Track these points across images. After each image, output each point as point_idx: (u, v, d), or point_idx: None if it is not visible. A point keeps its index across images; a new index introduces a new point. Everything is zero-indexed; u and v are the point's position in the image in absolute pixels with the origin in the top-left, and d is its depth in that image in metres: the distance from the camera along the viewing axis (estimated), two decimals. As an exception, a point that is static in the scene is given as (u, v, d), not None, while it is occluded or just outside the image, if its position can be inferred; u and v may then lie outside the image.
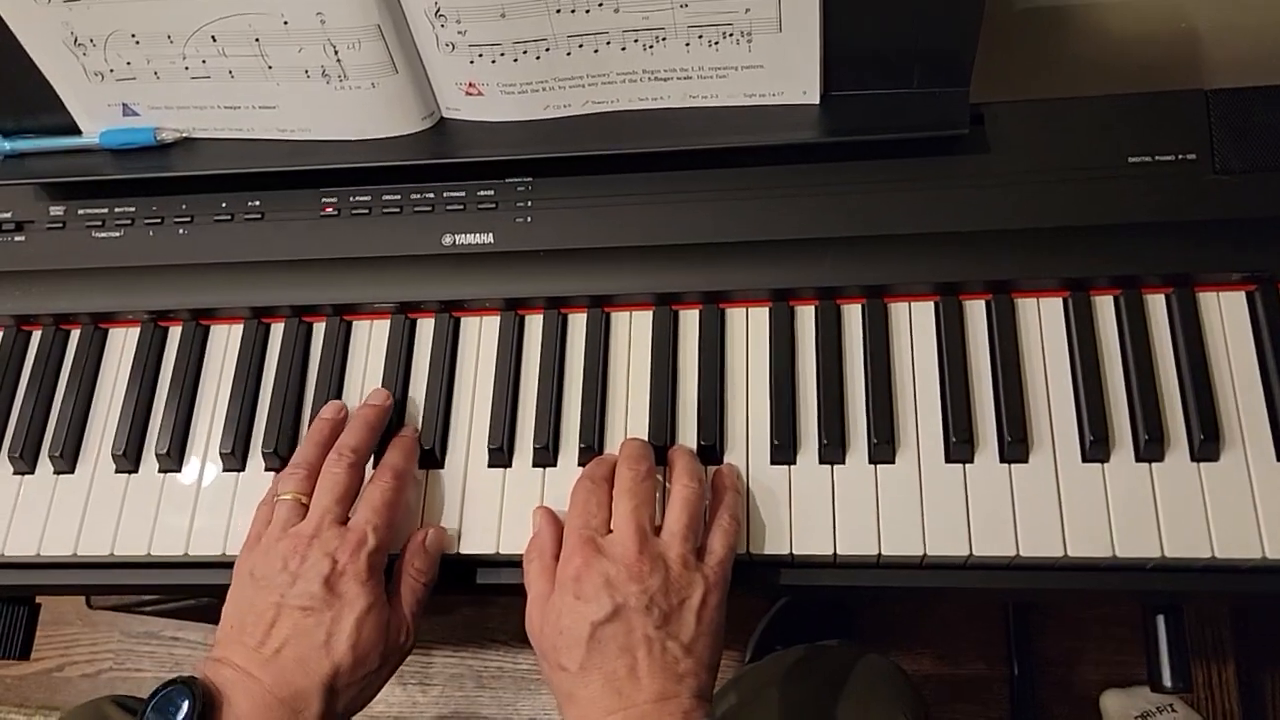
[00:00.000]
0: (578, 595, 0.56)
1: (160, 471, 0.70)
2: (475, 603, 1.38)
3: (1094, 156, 0.65)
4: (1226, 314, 0.64)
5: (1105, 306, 0.65)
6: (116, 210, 0.73)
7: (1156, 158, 0.65)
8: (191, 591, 0.73)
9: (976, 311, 0.66)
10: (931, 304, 0.66)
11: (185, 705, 0.55)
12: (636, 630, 0.55)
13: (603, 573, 0.56)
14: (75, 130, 0.72)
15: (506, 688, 1.38)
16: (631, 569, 0.56)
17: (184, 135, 0.71)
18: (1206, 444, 0.60)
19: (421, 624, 0.63)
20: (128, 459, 0.70)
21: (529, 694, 1.37)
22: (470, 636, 1.39)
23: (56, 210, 0.74)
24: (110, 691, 1.41)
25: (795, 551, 0.62)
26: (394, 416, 0.68)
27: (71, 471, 0.71)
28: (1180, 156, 0.65)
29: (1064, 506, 0.61)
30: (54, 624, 1.47)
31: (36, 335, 0.75)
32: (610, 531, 0.59)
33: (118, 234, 0.73)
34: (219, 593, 0.65)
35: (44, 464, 0.71)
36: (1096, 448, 0.61)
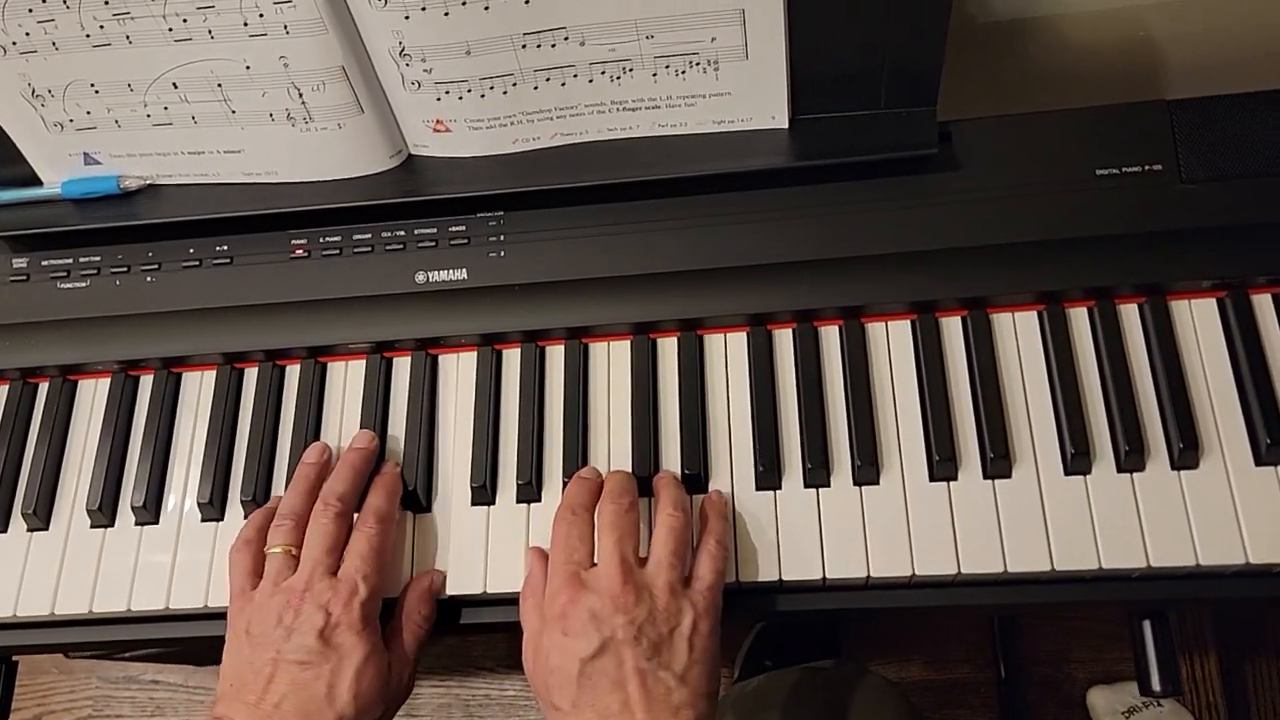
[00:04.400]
0: (565, 632, 0.56)
1: (137, 524, 0.68)
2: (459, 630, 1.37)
3: (1062, 170, 0.66)
4: (1199, 321, 0.65)
5: (1080, 318, 0.66)
6: (81, 260, 0.72)
7: (1124, 169, 0.65)
8: (175, 644, 0.72)
9: (953, 328, 0.66)
10: (908, 322, 0.67)
11: None
12: (627, 663, 0.54)
13: (588, 607, 0.56)
14: (36, 181, 0.71)
15: (494, 715, 1.37)
16: (617, 601, 0.55)
17: (148, 182, 0.70)
18: (1186, 452, 0.61)
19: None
20: (103, 513, 0.68)
21: (517, 720, 1.36)
22: (456, 665, 1.38)
23: (19, 263, 0.73)
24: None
25: (784, 577, 0.62)
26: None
27: (45, 528, 0.69)
28: (1147, 167, 0.65)
29: (1049, 520, 0.61)
30: (30, 673, 1.44)
31: (3, 390, 0.73)
32: (594, 565, 0.58)
33: (83, 284, 0.72)
34: (203, 645, 0.64)
35: (16, 522, 0.70)
36: (1078, 460, 0.62)
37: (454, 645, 1.38)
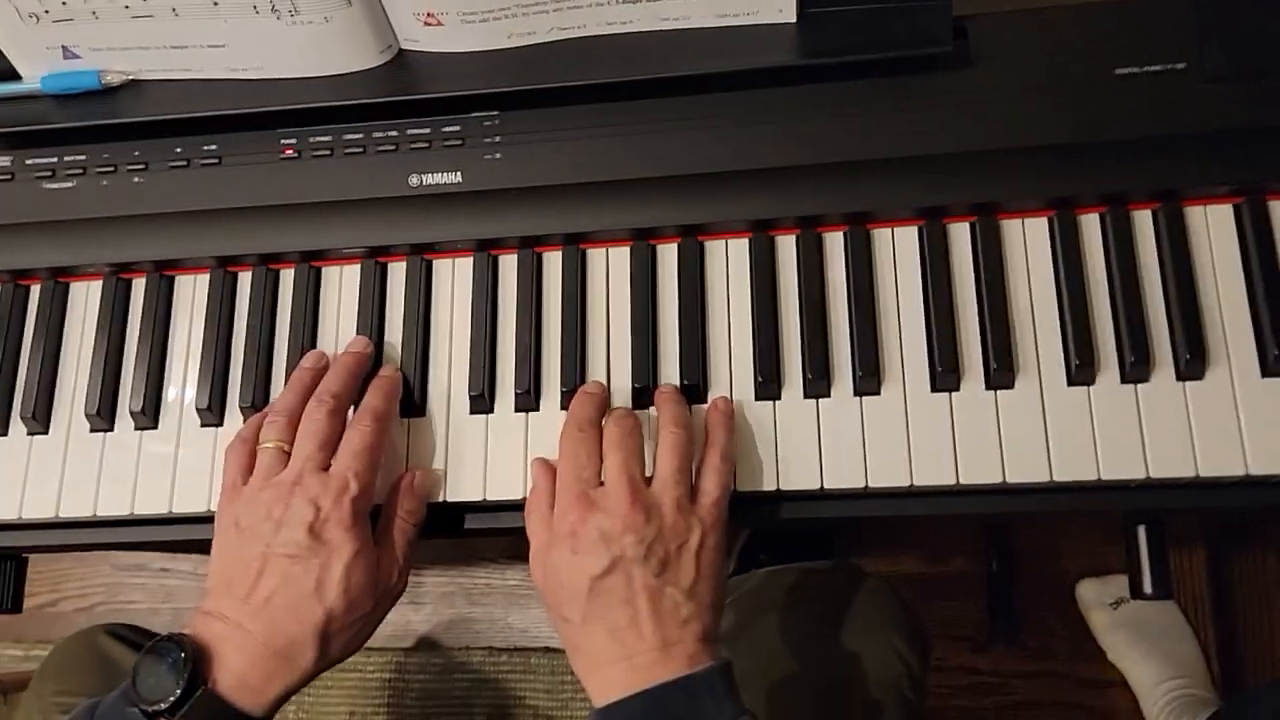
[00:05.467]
0: (574, 550, 0.56)
1: (136, 429, 0.68)
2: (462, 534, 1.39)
3: (1080, 69, 0.63)
4: (1213, 228, 0.63)
5: (1091, 225, 0.64)
6: (66, 159, 0.70)
7: (1145, 68, 0.63)
8: (180, 547, 0.73)
9: (961, 235, 0.65)
10: (915, 229, 0.65)
11: (173, 658, 0.55)
12: (636, 581, 0.55)
13: (598, 526, 0.56)
14: (15, 76, 0.68)
15: (496, 603, 1.40)
16: (626, 520, 0.56)
17: (130, 78, 0.68)
18: (1192, 363, 0.60)
19: (413, 563, 0.63)
20: (102, 417, 0.68)
21: (519, 608, 1.39)
22: (458, 556, 1.41)
23: (3, 161, 0.71)
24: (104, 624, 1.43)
25: (783, 487, 0.62)
26: (372, 363, 0.67)
27: (46, 432, 0.69)
28: (1168, 66, 0.63)
29: (1049, 431, 0.61)
30: (44, 561, 1.47)
31: (-5, 292, 0.73)
32: (602, 483, 0.58)
33: (70, 184, 0.70)
34: (206, 548, 0.65)
35: (16, 425, 0.70)
36: (1082, 371, 0.61)
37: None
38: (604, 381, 0.64)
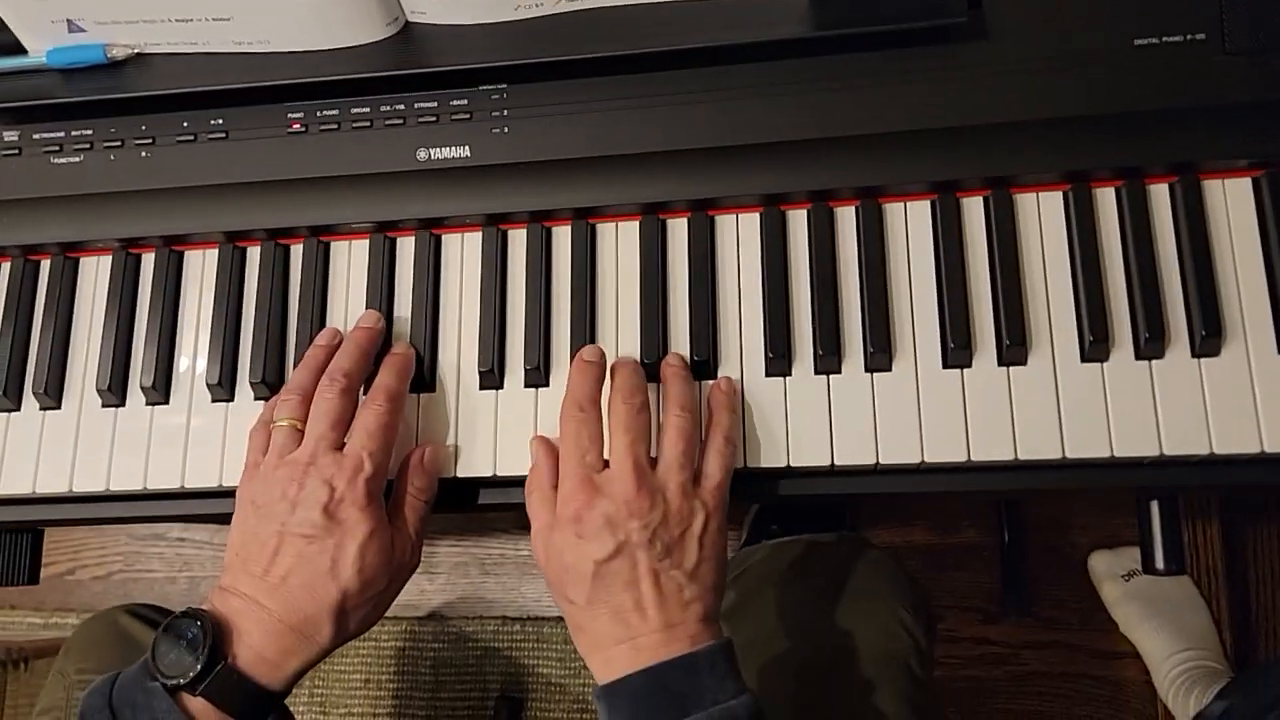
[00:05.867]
0: (579, 535, 0.56)
1: (148, 404, 0.69)
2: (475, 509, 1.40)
3: (1098, 40, 0.62)
4: (1231, 202, 0.62)
5: (1106, 199, 0.63)
6: (74, 134, 0.70)
7: (1164, 39, 0.61)
8: (193, 520, 0.74)
9: (974, 209, 0.64)
10: (928, 203, 0.64)
11: (192, 633, 0.56)
12: (640, 564, 0.55)
13: (603, 512, 0.56)
14: (20, 50, 0.68)
15: (509, 573, 1.41)
16: (631, 506, 0.56)
17: (136, 51, 0.67)
18: (1208, 339, 0.60)
19: (425, 539, 0.63)
20: (113, 393, 0.68)
21: (532, 578, 1.40)
22: (471, 527, 1.42)
23: (10, 136, 0.71)
24: (122, 592, 1.45)
25: (793, 463, 0.62)
26: (383, 339, 0.67)
27: (58, 407, 0.70)
28: (1188, 37, 0.61)
29: (1062, 408, 0.60)
30: (62, 530, 1.49)
31: (5, 268, 0.72)
32: (606, 465, 0.58)
33: (77, 159, 0.70)
34: (221, 520, 0.65)
35: (29, 400, 0.70)
36: (1096, 347, 0.60)
37: (470, 508, 1.41)
38: (604, 349, 0.64)
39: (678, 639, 0.55)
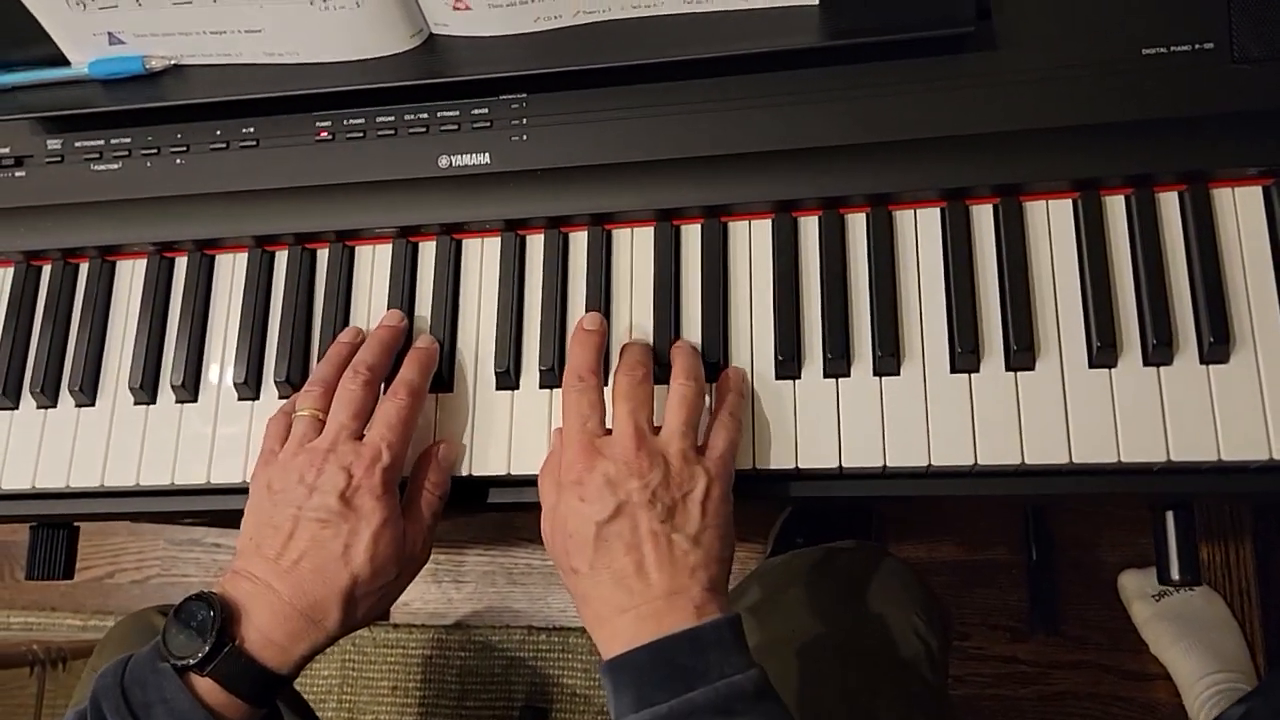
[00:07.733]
0: (581, 497, 0.57)
1: (177, 403, 0.71)
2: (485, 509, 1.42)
3: (1106, 49, 0.63)
4: (1241, 211, 0.62)
5: (1116, 207, 0.64)
6: (113, 142, 0.73)
7: (1172, 48, 0.62)
8: (218, 517, 0.76)
9: (984, 217, 0.65)
10: (937, 210, 0.65)
11: (202, 615, 0.57)
12: (641, 526, 0.56)
13: (603, 473, 0.57)
14: (64, 61, 0.71)
15: (536, 583, 1.42)
16: (631, 466, 0.56)
17: (173, 63, 0.70)
18: (1216, 346, 0.60)
19: (437, 533, 0.65)
20: (144, 391, 0.71)
21: (558, 588, 1.41)
22: (499, 536, 1.43)
23: (54, 144, 0.74)
24: (159, 595, 1.48)
25: (801, 465, 0.62)
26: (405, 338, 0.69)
27: (92, 404, 0.72)
28: (1197, 46, 0.62)
29: (1070, 413, 0.60)
30: (101, 534, 1.53)
31: (46, 270, 0.76)
32: (608, 433, 0.59)
33: (116, 166, 0.73)
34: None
35: (65, 398, 0.73)
36: (1104, 353, 0.61)
37: (497, 517, 1.43)
38: (602, 315, 0.65)
39: (681, 608, 0.54)
